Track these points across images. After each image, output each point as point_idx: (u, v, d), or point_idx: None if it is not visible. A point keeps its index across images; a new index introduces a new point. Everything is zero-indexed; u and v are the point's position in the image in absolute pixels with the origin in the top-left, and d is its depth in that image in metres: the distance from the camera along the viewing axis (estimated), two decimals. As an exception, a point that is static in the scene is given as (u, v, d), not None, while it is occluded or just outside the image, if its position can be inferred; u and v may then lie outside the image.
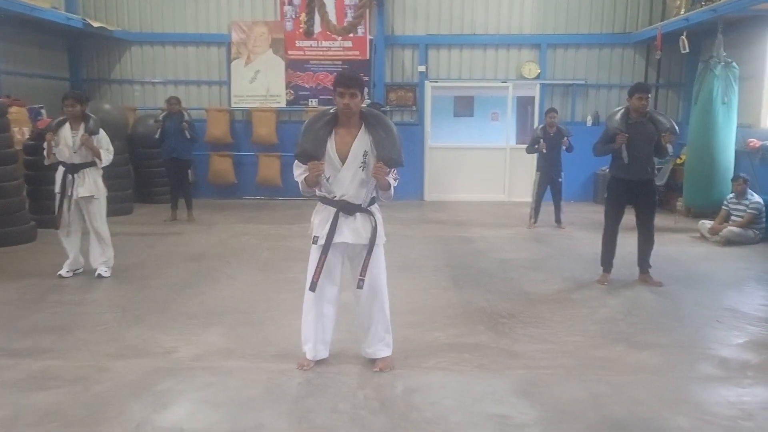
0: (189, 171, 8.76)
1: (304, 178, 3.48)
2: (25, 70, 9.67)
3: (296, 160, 3.51)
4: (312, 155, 3.40)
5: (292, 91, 11.04)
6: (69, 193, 5.64)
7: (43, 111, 9.45)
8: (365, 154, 3.44)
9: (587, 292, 5.42)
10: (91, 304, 4.96)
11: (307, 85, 11.03)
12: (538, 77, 10.95)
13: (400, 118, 11.13)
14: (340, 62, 10.93)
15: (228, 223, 8.82)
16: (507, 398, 3.35)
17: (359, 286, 3.57)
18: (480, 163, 11.35)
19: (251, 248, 7.15)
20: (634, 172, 5.50)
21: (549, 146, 8.32)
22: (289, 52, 10.93)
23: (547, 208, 8.82)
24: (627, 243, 6.16)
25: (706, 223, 7.77)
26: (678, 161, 9.91)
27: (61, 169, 5.72)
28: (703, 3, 8.97)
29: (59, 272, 5.74)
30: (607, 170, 5.97)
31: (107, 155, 5.76)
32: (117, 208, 8.32)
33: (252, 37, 10.94)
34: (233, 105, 11.05)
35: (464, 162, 11.36)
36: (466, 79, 11.19)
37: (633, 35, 10.68)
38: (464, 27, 10.91)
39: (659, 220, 8.53)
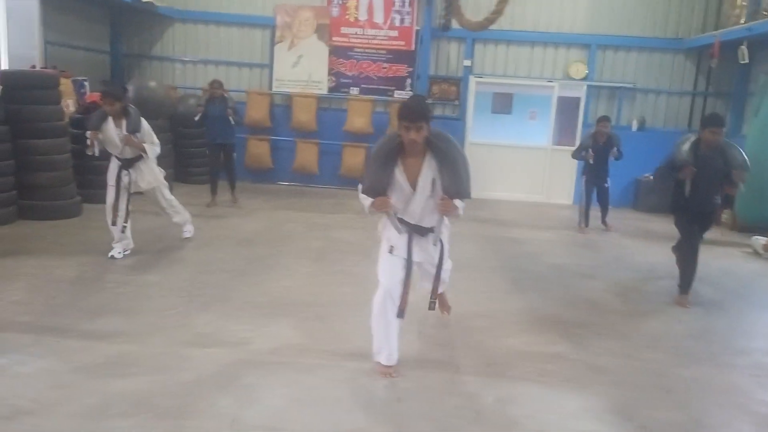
0: (234, 154, 8.58)
1: (371, 203, 3.40)
2: (68, 41, 9.55)
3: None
4: (379, 192, 3.36)
5: (334, 78, 10.89)
6: (125, 187, 5.58)
7: (86, 84, 9.35)
8: (434, 182, 3.36)
9: (655, 306, 5.27)
10: (153, 287, 4.87)
11: (349, 73, 10.87)
12: (585, 78, 10.74)
13: (441, 111, 10.98)
14: (384, 51, 10.76)
15: (268, 208, 8.71)
16: (604, 416, 3.23)
17: (431, 308, 3.70)
18: (519, 162, 11.19)
19: (299, 236, 7.03)
20: (696, 204, 5.26)
21: (597, 155, 8.17)
22: (334, 39, 10.77)
23: (594, 210, 8.71)
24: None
25: (761, 239, 7.60)
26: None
27: (115, 162, 5.61)
28: (765, 12, 8.77)
29: (111, 254, 5.61)
30: (670, 197, 5.56)
31: (153, 148, 5.66)
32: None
33: (297, 21, 10.77)
34: (274, 89, 10.91)
35: (503, 160, 11.19)
36: (510, 75, 11.01)
37: (685, 41, 10.44)
38: (514, 22, 10.68)
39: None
